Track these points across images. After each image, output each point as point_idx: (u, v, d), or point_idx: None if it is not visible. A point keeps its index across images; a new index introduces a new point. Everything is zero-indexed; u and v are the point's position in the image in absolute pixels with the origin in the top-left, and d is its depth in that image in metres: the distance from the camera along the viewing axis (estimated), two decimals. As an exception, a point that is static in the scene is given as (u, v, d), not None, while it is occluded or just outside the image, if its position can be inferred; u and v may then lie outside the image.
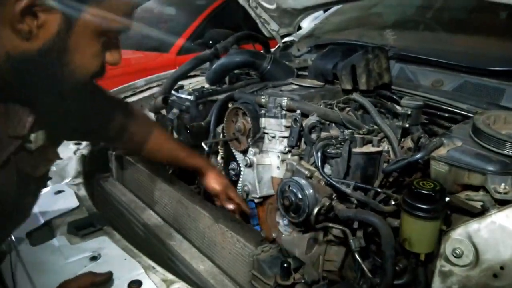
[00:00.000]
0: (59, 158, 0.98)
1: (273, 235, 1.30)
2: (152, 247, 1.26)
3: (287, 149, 1.26)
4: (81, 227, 1.11)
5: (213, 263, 1.16)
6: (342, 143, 1.16)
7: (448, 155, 1.03)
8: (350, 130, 1.21)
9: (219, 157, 1.55)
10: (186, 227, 1.28)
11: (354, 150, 1.15)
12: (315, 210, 1.03)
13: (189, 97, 1.58)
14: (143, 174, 1.50)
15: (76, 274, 0.91)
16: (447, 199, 0.98)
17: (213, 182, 1.35)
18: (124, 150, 1.47)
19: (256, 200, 1.32)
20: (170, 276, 0.93)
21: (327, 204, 1.05)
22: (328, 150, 1.14)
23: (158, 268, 0.95)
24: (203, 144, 1.45)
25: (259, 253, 1.01)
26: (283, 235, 1.20)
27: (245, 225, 1.13)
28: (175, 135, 1.66)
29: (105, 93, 1.27)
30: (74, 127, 1.06)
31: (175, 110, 1.63)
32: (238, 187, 1.42)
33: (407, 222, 0.97)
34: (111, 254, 1.00)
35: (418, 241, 0.97)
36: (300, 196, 1.05)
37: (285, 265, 0.92)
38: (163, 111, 1.73)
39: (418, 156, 1.06)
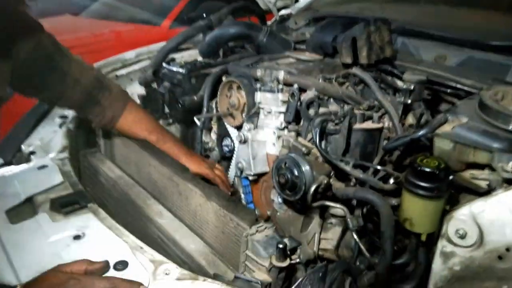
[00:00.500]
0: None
1: (268, 213, 1.26)
2: (141, 226, 1.21)
3: (283, 125, 1.21)
4: (65, 204, 1.04)
5: (205, 242, 1.11)
6: (342, 119, 1.12)
7: (453, 132, 0.99)
8: (350, 106, 1.17)
9: (212, 133, 1.51)
10: (177, 205, 1.23)
11: (354, 126, 1.11)
12: (312, 188, 0.99)
13: (181, 70, 1.53)
14: (132, 149, 1.45)
15: (58, 254, 0.86)
16: (451, 177, 0.94)
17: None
18: (95, 123, 1.44)
19: (250, 178, 1.28)
20: (158, 257, 0.87)
21: (325, 182, 1.01)
22: (326, 126, 1.10)
23: (146, 248, 0.90)
24: (195, 119, 1.41)
25: (253, 233, 0.97)
26: (278, 213, 1.16)
27: (239, 204, 1.08)
28: (167, 110, 1.62)
29: (70, 56, 1.27)
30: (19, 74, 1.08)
31: (166, 84, 1.58)
32: (231, 164, 1.39)
33: (408, 201, 0.94)
34: (95, 233, 0.94)
35: (420, 221, 0.93)
36: (296, 173, 1.00)
37: (281, 246, 0.87)
38: (154, 85, 1.68)
39: (421, 132, 1.02)
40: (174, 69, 1.56)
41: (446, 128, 1.01)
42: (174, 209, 1.25)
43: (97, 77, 1.36)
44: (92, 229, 0.95)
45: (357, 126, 1.12)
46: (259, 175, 1.27)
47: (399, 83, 1.29)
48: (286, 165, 1.02)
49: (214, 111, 1.44)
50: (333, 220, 1.15)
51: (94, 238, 0.93)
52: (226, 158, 1.45)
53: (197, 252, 1.06)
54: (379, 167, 1.04)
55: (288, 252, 0.90)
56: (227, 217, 1.05)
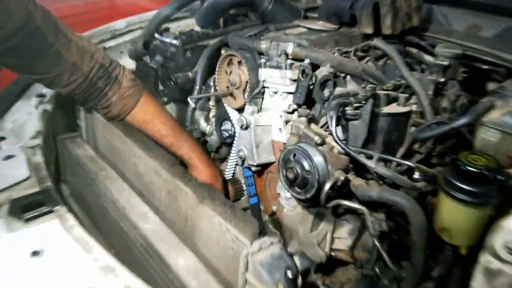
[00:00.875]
0: None
1: (273, 208, 1.17)
2: (122, 231, 1.06)
3: (292, 107, 1.08)
4: (28, 207, 0.88)
5: (196, 256, 0.96)
6: (363, 102, 0.96)
7: (502, 120, 0.85)
8: (372, 86, 1.01)
9: (211, 115, 1.38)
10: (165, 206, 1.08)
11: (377, 110, 0.96)
12: (327, 186, 0.85)
13: (174, 41, 1.40)
14: (116, 135, 1.30)
15: (9, 277, 0.69)
16: (503, 179, 0.78)
17: (198, 177, 1.19)
18: (102, 114, 1.32)
19: (253, 168, 1.16)
20: (135, 283, 0.70)
21: (342, 178, 0.86)
22: (344, 110, 0.95)
23: (120, 269, 0.73)
24: (189, 99, 1.26)
25: (255, 251, 0.80)
26: (285, 209, 1.04)
27: (238, 211, 0.91)
28: (161, 87, 1.49)
29: (69, 37, 1.15)
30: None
31: (158, 57, 1.46)
32: (232, 152, 1.27)
33: (448, 207, 0.79)
34: (59, 247, 0.78)
35: (461, 231, 0.79)
36: (307, 167, 0.87)
37: (291, 275, 0.69)
38: (146, 58, 1.56)
39: (463, 120, 0.87)
40: (167, 40, 1.42)
41: (493, 115, 0.87)
42: (162, 210, 1.10)
43: (103, 65, 1.21)
44: (55, 241, 0.79)
45: (382, 110, 0.97)
46: (264, 165, 1.15)
47: (429, 58, 1.16)
48: (295, 157, 0.90)
49: (212, 90, 1.32)
50: (347, 216, 1.04)
51: (57, 255, 0.76)
52: (226, 144, 1.33)
53: (187, 268, 0.90)
54: (411, 164, 0.88)
55: (300, 278, 0.73)
56: (223, 227, 0.89)
